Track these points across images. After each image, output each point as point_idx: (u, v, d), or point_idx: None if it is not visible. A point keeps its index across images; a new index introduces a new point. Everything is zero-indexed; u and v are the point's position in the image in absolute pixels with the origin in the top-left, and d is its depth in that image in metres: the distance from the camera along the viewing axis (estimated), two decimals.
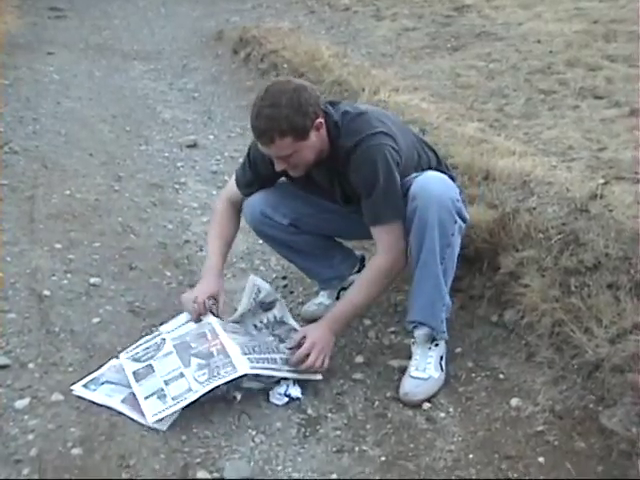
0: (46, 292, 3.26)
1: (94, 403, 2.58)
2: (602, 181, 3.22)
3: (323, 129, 2.70)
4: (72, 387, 2.63)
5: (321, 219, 3.13)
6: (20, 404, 2.53)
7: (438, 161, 3.04)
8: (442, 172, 2.89)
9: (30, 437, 2.38)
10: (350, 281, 3.22)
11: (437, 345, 2.84)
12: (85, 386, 2.65)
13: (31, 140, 5.19)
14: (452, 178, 2.96)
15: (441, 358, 2.84)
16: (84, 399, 2.59)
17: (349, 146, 2.70)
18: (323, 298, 3.32)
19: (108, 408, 2.56)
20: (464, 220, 2.81)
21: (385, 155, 2.69)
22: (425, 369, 2.79)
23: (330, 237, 3.27)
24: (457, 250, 2.79)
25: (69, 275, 3.44)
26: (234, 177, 3.12)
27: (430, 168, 2.91)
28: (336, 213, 3.09)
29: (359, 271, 3.27)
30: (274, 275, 3.61)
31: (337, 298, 3.28)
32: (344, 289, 3.26)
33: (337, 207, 3.03)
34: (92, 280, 3.42)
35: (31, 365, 2.75)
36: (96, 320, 3.11)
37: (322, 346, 2.76)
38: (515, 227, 3.08)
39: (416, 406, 2.68)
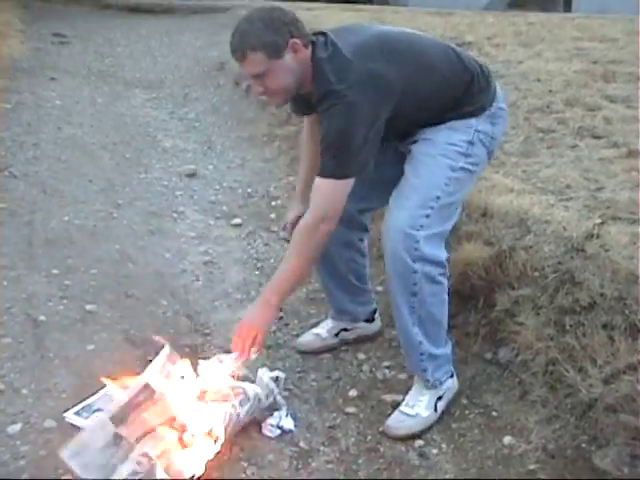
0: (42, 317, 3.28)
1: None
2: (599, 221, 3.24)
3: (303, 54, 2.59)
4: (65, 414, 2.63)
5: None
6: (12, 429, 2.54)
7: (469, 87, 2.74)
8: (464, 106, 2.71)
9: (22, 463, 2.39)
10: (354, 327, 3.30)
11: (434, 387, 2.82)
12: (77, 413, 2.65)
13: (31, 165, 5.23)
14: (482, 108, 2.74)
15: (439, 398, 2.81)
16: (76, 426, 2.59)
17: (319, 93, 2.57)
18: (322, 330, 3.33)
19: None
20: (436, 263, 2.65)
21: (347, 114, 2.50)
22: (414, 406, 2.77)
23: (364, 277, 3.26)
24: (434, 294, 2.70)
25: (65, 301, 3.46)
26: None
27: (456, 101, 2.71)
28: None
29: (367, 321, 3.33)
30: None
31: (336, 335, 3.30)
32: (345, 330, 3.29)
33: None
34: (88, 307, 3.43)
35: (24, 390, 2.76)
36: (91, 347, 3.12)
37: (246, 330, 2.71)
38: (511, 265, 3.09)
39: (408, 441, 2.68)
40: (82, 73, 8.80)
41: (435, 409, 2.79)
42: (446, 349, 2.84)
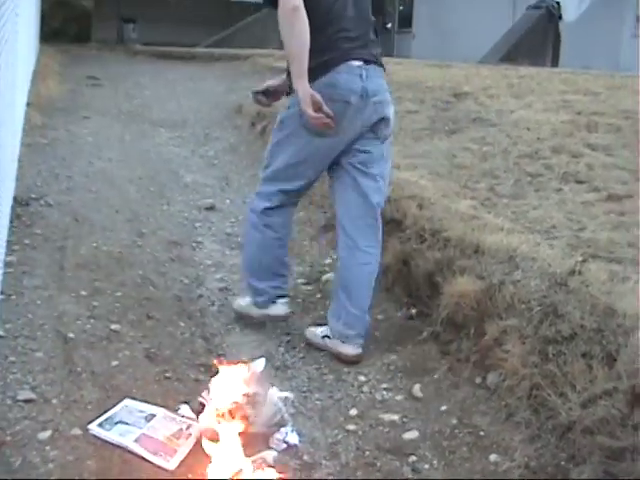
0: (71, 335, 3.30)
1: (109, 442, 2.59)
2: (581, 259, 3.26)
3: None
4: (89, 426, 2.65)
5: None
6: (42, 436, 2.55)
7: None
8: None
9: (50, 466, 2.41)
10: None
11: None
12: (100, 425, 2.66)
13: (64, 195, 5.28)
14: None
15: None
16: (100, 438, 2.61)
17: None
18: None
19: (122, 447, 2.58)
20: (254, 211, 3.48)
21: None
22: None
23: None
24: (252, 239, 3.51)
25: (92, 320, 3.48)
26: None
27: None
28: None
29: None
30: (278, 331, 3.62)
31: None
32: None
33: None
34: (113, 326, 3.46)
35: (54, 401, 2.78)
36: (115, 363, 3.14)
37: (305, 108, 3.07)
38: (500, 298, 3.11)
39: (402, 457, 2.68)
40: (112, 113, 8.89)
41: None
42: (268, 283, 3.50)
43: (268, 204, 3.43)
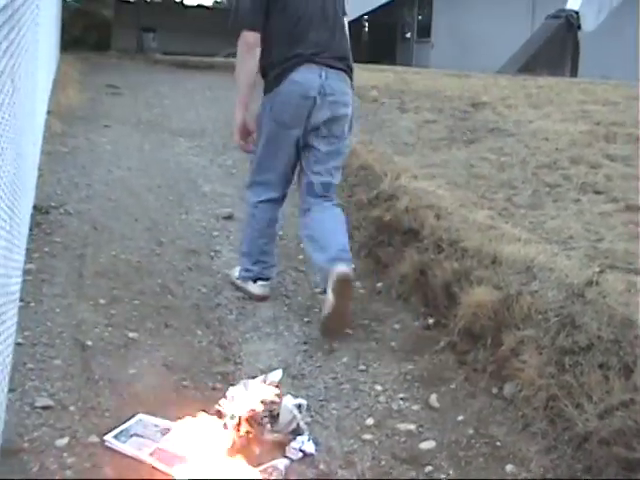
0: (89, 342, 3.33)
1: (125, 455, 2.60)
2: (598, 269, 3.25)
3: None
4: (105, 437, 2.64)
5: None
6: (60, 442, 2.57)
7: None
8: None
9: (68, 473, 2.42)
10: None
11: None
12: (116, 437, 2.66)
13: (84, 204, 5.32)
14: None
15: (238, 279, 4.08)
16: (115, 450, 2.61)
17: None
18: None
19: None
20: (248, 203, 4.02)
21: None
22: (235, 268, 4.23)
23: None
24: (248, 223, 4.05)
25: (110, 328, 3.51)
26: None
27: None
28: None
29: None
30: (296, 340, 3.63)
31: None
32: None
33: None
34: (131, 334, 3.48)
35: (72, 408, 2.80)
36: (132, 371, 3.16)
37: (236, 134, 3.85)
38: (518, 308, 3.11)
39: (418, 467, 2.68)
40: (132, 122, 8.93)
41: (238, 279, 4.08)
42: (248, 263, 4.00)
43: (254, 195, 3.96)
